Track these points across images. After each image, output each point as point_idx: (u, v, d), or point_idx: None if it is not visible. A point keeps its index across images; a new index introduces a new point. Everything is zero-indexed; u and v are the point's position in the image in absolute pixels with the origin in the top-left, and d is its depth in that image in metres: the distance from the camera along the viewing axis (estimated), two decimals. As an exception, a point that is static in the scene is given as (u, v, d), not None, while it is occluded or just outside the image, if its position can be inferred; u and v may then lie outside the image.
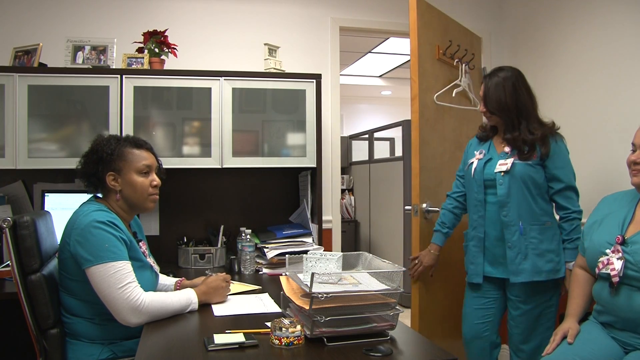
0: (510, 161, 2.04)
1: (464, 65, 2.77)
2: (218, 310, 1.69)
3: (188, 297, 1.67)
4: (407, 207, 2.52)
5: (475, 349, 2.23)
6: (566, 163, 2.04)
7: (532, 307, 2.05)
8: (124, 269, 1.57)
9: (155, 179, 1.79)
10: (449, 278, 2.64)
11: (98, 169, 1.71)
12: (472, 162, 2.17)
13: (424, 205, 2.46)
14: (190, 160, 2.59)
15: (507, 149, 2.09)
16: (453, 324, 2.77)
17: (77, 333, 1.66)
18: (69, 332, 1.67)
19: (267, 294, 1.93)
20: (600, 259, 1.70)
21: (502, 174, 2.04)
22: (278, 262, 2.43)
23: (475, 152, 2.20)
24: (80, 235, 1.58)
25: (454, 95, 2.70)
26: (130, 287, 1.55)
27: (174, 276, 2.10)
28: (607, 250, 1.69)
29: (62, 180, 2.68)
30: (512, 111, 2.05)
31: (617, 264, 1.64)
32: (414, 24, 2.48)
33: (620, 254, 1.65)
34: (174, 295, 1.66)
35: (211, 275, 1.83)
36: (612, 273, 1.64)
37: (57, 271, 1.71)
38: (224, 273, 1.87)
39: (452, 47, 2.73)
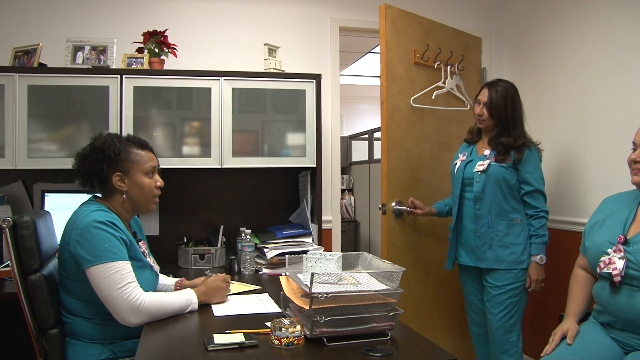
0: (486, 162, 2.31)
1: (448, 67, 2.80)
2: (218, 310, 1.69)
3: (188, 297, 1.67)
4: (379, 206, 2.62)
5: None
6: (536, 169, 2.29)
7: (501, 293, 2.28)
8: (124, 269, 1.57)
9: (159, 180, 1.81)
10: (428, 277, 2.70)
11: (103, 168, 1.70)
12: (456, 163, 2.45)
13: (393, 204, 2.59)
14: (190, 160, 2.59)
15: (486, 152, 2.35)
16: (439, 322, 2.79)
17: (77, 333, 1.66)
18: (69, 332, 1.67)
19: (267, 294, 1.93)
20: (602, 259, 1.70)
21: (480, 173, 2.31)
22: (278, 262, 2.42)
23: (459, 154, 2.47)
24: (80, 235, 1.58)
25: (433, 97, 2.73)
26: (130, 287, 1.55)
27: (174, 276, 2.10)
28: (609, 250, 1.69)
29: (62, 181, 2.67)
30: (509, 119, 2.31)
31: (619, 264, 1.64)
32: (382, 31, 2.58)
33: (622, 254, 1.65)
34: (174, 296, 1.66)
35: (211, 276, 1.83)
36: (614, 272, 1.64)
37: (57, 271, 1.71)
38: (224, 273, 1.87)
39: (432, 50, 2.75)
